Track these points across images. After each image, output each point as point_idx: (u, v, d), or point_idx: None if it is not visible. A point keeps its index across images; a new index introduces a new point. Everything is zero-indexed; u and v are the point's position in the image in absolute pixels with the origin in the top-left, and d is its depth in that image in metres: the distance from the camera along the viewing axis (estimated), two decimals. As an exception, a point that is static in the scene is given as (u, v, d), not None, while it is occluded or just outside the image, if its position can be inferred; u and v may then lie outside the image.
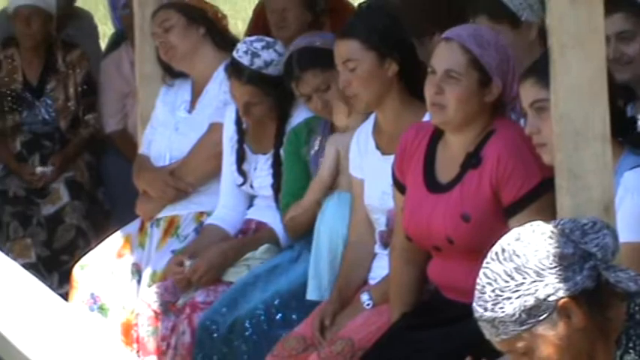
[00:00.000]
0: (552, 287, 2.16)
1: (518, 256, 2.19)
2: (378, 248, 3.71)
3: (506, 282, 2.17)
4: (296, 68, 3.96)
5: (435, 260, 3.31)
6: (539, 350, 2.19)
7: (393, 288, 3.42)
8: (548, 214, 2.66)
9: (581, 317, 2.14)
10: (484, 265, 2.29)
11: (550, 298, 2.13)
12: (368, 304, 3.52)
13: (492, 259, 2.26)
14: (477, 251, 3.17)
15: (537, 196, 3.04)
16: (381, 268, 3.61)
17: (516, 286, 2.16)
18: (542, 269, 2.18)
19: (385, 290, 3.49)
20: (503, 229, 2.99)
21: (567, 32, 2.39)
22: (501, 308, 2.16)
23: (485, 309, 2.23)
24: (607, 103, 2.47)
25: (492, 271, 2.22)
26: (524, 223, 2.96)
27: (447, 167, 3.23)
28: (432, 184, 3.27)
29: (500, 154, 3.10)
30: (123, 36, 6.16)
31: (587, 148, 2.39)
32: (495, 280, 2.18)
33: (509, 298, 2.16)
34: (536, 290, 2.14)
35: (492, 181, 3.10)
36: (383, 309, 3.49)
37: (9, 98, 5.83)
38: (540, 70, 2.74)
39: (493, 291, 2.18)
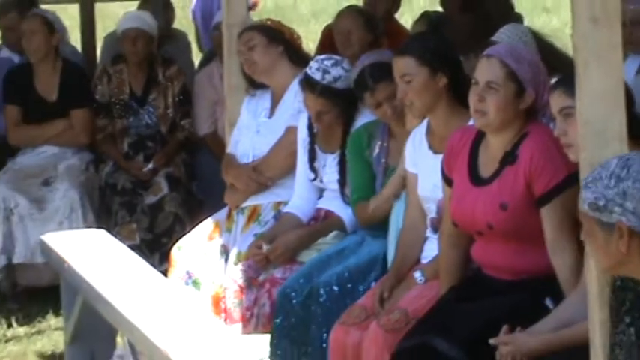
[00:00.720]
0: (623, 211, 2.19)
1: (629, 170, 2.21)
2: (429, 232, 3.63)
3: (606, 177, 2.21)
4: (369, 80, 3.89)
5: (477, 243, 3.24)
6: (594, 239, 2.24)
7: (441, 266, 3.37)
8: (574, 204, 2.59)
9: (625, 246, 2.17)
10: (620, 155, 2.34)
11: (615, 217, 2.17)
12: (420, 280, 3.46)
13: (620, 159, 2.28)
14: (513, 235, 3.15)
15: (564, 189, 2.99)
16: (431, 249, 3.54)
17: (606, 186, 2.20)
18: (630, 195, 2.20)
19: (435, 268, 3.43)
20: (536, 217, 3.01)
21: (590, 49, 2.38)
22: (589, 188, 2.23)
23: (586, 182, 2.29)
24: (624, 109, 2.44)
25: (610, 164, 2.27)
26: (553, 211, 2.99)
27: (487, 164, 3.18)
28: (475, 179, 3.21)
29: (533, 152, 3.05)
30: (213, 53, 6.17)
31: (607, 148, 2.37)
32: (604, 169, 2.23)
33: (597, 187, 2.22)
34: (613, 204, 2.18)
35: (526, 176, 3.04)
36: (433, 284, 3.43)
37: (118, 106, 5.84)
38: (567, 82, 2.71)
39: (597, 172, 2.25)
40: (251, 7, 7.39)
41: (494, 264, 3.18)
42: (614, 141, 2.41)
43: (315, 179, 4.37)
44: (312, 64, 4.23)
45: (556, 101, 2.84)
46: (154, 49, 5.96)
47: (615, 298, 2.38)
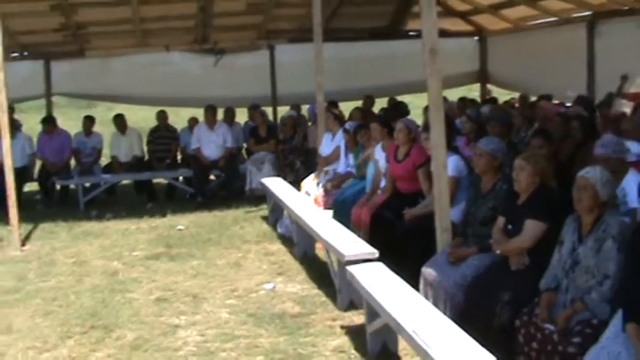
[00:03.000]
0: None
1: None
2: (383, 180, 8.55)
3: None
4: None
5: (399, 182, 8.19)
6: None
7: (385, 189, 8.53)
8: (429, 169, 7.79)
9: None
10: None
11: None
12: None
13: None
14: (408, 178, 7.97)
15: (425, 164, 7.87)
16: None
17: None
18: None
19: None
20: (416, 173, 8.15)
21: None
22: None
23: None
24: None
25: None
26: (421, 171, 8.10)
27: (401, 154, 8.25)
28: (395, 159, 8.23)
29: (416, 150, 8.00)
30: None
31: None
32: None
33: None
34: None
35: (414, 159, 8.05)
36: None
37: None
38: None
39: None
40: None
41: (403, 187, 7.97)
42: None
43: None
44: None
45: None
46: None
47: None
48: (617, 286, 4.56)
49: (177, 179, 13.56)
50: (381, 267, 6.20)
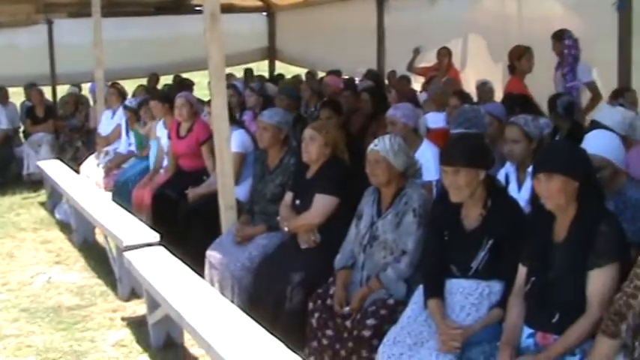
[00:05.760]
0: None
1: None
2: None
3: None
4: None
5: (181, 160, 7.93)
6: None
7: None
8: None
9: None
10: None
11: None
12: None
13: None
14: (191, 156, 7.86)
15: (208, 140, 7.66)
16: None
17: None
18: None
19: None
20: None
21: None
22: None
23: None
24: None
25: None
26: (205, 146, 7.74)
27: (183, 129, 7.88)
28: (177, 135, 7.92)
29: (199, 125, 7.74)
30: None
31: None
32: None
33: None
34: None
35: (198, 136, 7.73)
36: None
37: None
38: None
39: None
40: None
41: (187, 165, 7.80)
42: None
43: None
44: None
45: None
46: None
47: None
48: (415, 264, 4.32)
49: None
50: (162, 252, 5.79)
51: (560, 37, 7.82)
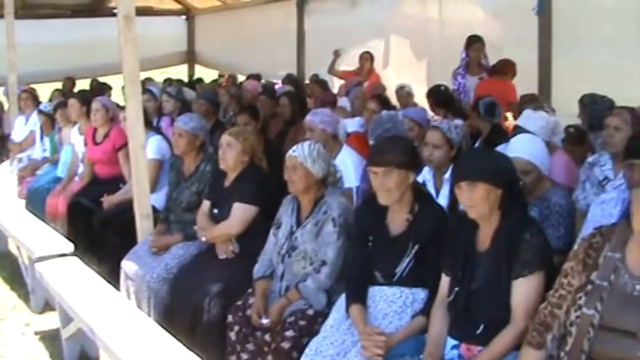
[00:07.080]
0: None
1: None
2: None
3: None
4: None
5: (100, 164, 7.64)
6: None
7: None
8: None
9: None
10: None
11: None
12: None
13: None
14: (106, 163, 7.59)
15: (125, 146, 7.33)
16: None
17: None
18: None
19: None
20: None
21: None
22: None
23: None
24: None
25: None
26: (122, 154, 7.48)
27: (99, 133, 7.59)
28: (94, 142, 7.54)
29: (115, 131, 7.49)
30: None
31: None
32: None
33: None
34: None
35: (114, 141, 7.47)
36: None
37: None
38: None
39: None
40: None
41: (102, 172, 7.54)
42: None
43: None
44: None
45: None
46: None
47: None
48: (335, 274, 4.22)
49: None
50: (76, 263, 5.57)
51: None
